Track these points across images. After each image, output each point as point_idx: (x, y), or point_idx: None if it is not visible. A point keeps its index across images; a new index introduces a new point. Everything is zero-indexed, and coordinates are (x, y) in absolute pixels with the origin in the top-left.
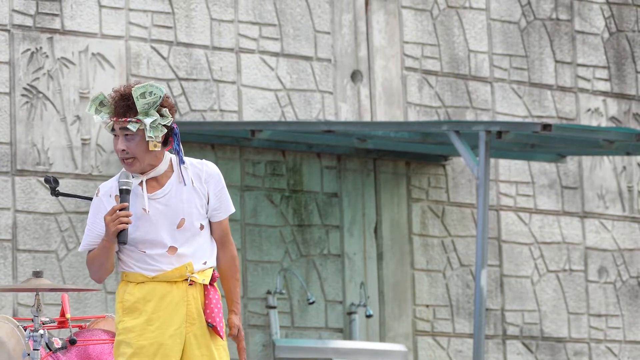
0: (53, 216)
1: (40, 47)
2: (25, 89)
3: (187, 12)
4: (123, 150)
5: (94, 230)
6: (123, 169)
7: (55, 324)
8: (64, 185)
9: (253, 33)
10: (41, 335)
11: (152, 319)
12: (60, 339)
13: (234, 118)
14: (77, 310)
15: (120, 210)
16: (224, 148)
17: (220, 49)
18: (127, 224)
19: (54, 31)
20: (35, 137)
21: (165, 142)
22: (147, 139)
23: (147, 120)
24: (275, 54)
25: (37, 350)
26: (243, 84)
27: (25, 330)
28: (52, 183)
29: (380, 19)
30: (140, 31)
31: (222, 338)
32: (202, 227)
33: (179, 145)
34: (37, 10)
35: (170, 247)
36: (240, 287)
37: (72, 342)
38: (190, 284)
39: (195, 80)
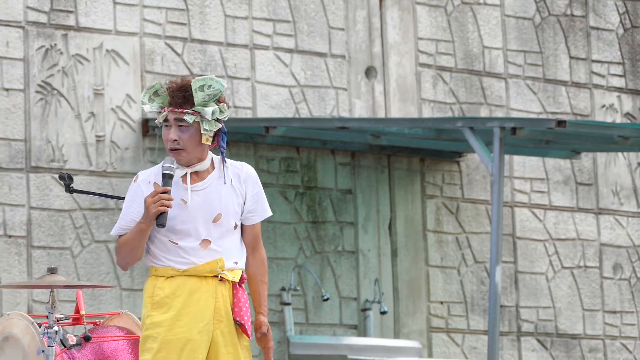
0: (67, 213)
1: (55, 44)
2: (39, 85)
3: (201, 9)
4: (175, 140)
5: (128, 215)
6: (168, 156)
7: (70, 320)
8: (78, 182)
9: (267, 29)
10: (56, 332)
11: (181, 314)
12: (74, 335)
13: (248, 114)
14: (92, 307)
15: (162, 193)
16: (238, 144)
17: (234, 45)
18: (167, 207)
19: (68, 28)
20: (50, 134)
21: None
22: (202, 132)
23: (207, 111)
24: (290, 51)
25: (52, 347)
26: (257, 80)
27: (39, 327)
28: (66, 180)
29: (394, 15)
30: (154, 28)
31: (248, 337)
32: (235, 226)
33: (224, 143)
34: (52, 7)
35: (204, 240)
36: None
37: (87, 338)
38: (220, 280)
39: None
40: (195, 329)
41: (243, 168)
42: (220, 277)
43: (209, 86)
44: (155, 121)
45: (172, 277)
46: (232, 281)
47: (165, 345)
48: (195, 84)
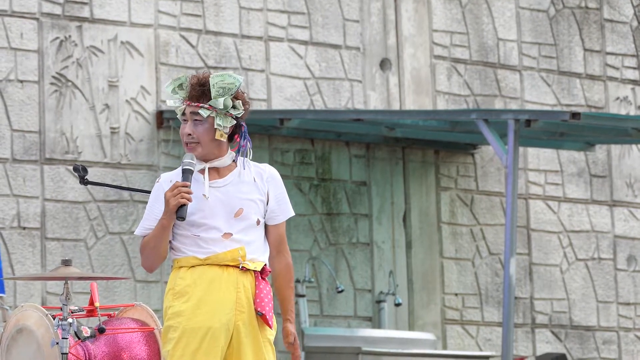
0: (82, 205)
1: (69, 36)
2: (54, 77)
3: (215, 1)
4: (189, 134)
5: (151, 214)
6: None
7: (84, 312)
8: (92, 174)
9: (282, 21)
10: (70, 324)
11: (201, 303)
12: (89, 327)
13: (262, 106)
14: (106, 298)
15: (181, 187)
16: (253, 136)
17: (249, 37)
18: (187, 200)
19: (83, 20)
20: (64, 126)
21: (231, 137)
22: (215, 127)
23: (219, 103)
24: (304, 43)
25: (66, 339)
26: (272, 72)
27: (54, 318)
28: (80, 172)
29: (409, 7)
30: (169, 19)
31: (270, 327)
32: (258, 222)
33: (245, 141)
34: None
35: (225, 233)
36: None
37: (101, 330)
38: (241, 270)
39: (224, 68)
40: (216, 317)
41: (266, 169)
42: (242, 266)
43: (226, 81)
44: (177, 115)
45: (193, 266)
46: (254, 272)
47: (186, 334)
48: (213, 79)
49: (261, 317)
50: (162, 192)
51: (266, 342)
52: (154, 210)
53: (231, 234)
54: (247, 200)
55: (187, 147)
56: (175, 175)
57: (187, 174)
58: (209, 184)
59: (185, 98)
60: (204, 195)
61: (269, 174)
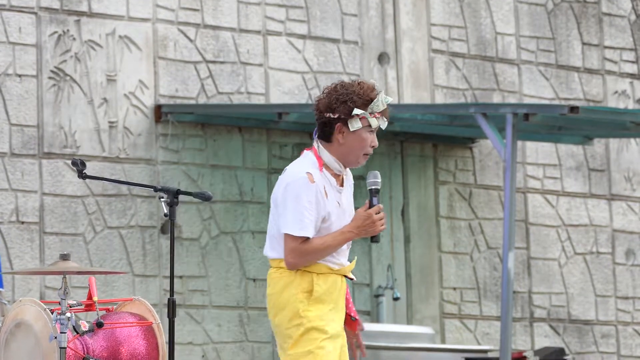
0: (80, 199)
1: (68, 30)
2: (52, 71)
3: None
4: (373, 146)
5: (313, 216)
6: (374, 170)
7: (83, 306)
8: (91, 168)
9: (280, 15)
10: (68, 318)
11: (334, 310)
12: (87, 322)
13: (261, 100)
14: (105, 293)
15: (377, 212)
16: (251, 130)
17: (247, 31)
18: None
19: (81, 14)
20: (63, 120)
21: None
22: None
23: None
24: (302, 37)
25: (64, 333)
26: (270, 66)
27: (52, 313)
28: (79, 166)
29: (407, 1)
30: (167, 14)
31: (355, 332)
32: None
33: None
34: None
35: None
36: None
37: (99, 325)
38: (345, 277)
39: (222, 62)
40: (341, 324)
41: (349, 171)
42: (347, 277)
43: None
44: (353, 125)
45: (324, 274)
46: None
47: (328, 339)
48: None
49: (354, 322)
50: (320, 195)
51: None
52: (316, 212)
53: (349, 244)
54: (351, 206)
55: (364, 157)
56: (319, 177)
57: (376, 194)
58: (339, 190)
59: (377, 111)
60: (339, 202)
61: (351, 177)
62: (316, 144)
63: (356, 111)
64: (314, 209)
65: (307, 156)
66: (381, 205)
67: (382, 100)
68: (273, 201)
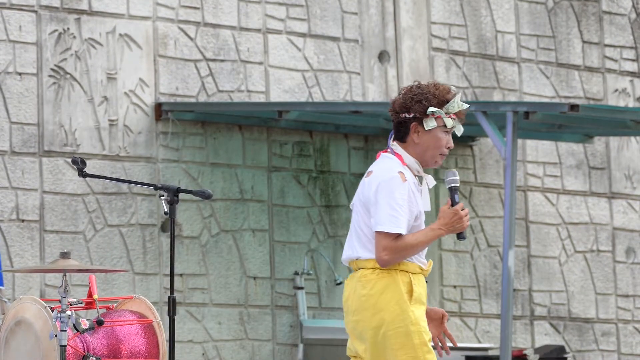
0: (80, 197)
1: (68, 28)
2: (52, 69)
3: None
4: (449, 147)
5: (406, 214)
6: (452, 169)
7: (83, 305)
8: (91, 167)
9: (280, 14)
10: (68, 316)
11: (425, 311)
12: (87, 320)
13: (261, 99)
14: (105, 291)
15: (462, 209)
16: (251, 129)
17: (247, 29)
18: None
19: (81, 12)
20: (63, 118)
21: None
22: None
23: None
24: (303, 35)
25: (64, 331)
26: (270, 64)
27: (52, 311)
28: (79, 164)
29: None
30: (167, 12)
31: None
32: None
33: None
34: None
35: None
36: None
37: (100, 323)
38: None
39: (222, 61)
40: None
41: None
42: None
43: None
44: (429, 124)
45: (417, 274)
46: None
47: (428, 342)
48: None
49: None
50: (411, 194)
51: None
52: (409, 210)
53: None
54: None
55: (441, 157)
56: (409, 174)
57: (457, 192)
58: (419, 190)
59: (452, 112)
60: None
61: None
62: (392, 145)
63: (431, 109)
64: (407, 206)
65: (389, 157)
66: (462, 204)
67: (458, 102)
68: (362, 203)
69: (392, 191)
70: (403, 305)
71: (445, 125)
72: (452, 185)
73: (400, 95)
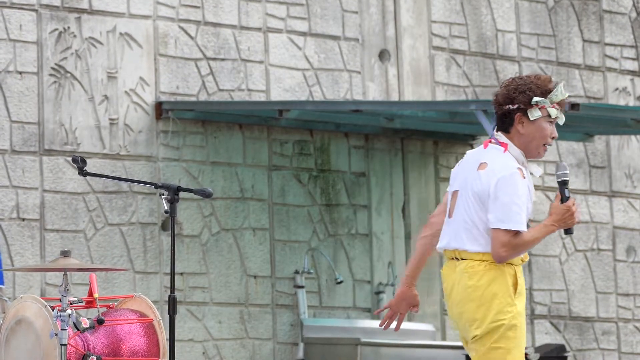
0: (81, 196)
1: (68, 27)
2: (53, 68)
3: None
4: (553, 137)
5: (523, 210)
6: (561, 162)
7: (83, 303)
8: (91, 165)
9: (281, 12)
10: (69, 315)
11: (523, 304)
12: (88, 318)
13: (261, 98)
14: (105, 290)
15: (573, 204)
16: (252, 128)
17: (248, 28)
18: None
19: (81, 11)
20: (63, 117)
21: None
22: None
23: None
24: (303, 34)
25: (65, 330)
26: (271, 63)
27: (53, 310)
28: (79, 163)
29: None
30: (167, 11)
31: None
32: None
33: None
34: None
35: None
36: None
37: (100, 322)
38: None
39: (223, 60)
40: None
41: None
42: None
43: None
44: (533, 114)
45: (518, 265)
46: None
47: (522, 335)
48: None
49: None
50: (526, 189)
51: None
52: (526, 206)
53: None
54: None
55: (544, 147)
56: (524, 170)
57: (566, 186)
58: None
59: (556, 101)
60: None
61: None
62: (495, 135)
63: (535, 99)
64: (525, 203)
65: (497, 149)
66: (573, 199)
67: (562, 91)
68: (476, 194)
69: (513, 188)
70: (508, 299)
71: (549, 115)
72: (563, 179)
73: (503, 87)
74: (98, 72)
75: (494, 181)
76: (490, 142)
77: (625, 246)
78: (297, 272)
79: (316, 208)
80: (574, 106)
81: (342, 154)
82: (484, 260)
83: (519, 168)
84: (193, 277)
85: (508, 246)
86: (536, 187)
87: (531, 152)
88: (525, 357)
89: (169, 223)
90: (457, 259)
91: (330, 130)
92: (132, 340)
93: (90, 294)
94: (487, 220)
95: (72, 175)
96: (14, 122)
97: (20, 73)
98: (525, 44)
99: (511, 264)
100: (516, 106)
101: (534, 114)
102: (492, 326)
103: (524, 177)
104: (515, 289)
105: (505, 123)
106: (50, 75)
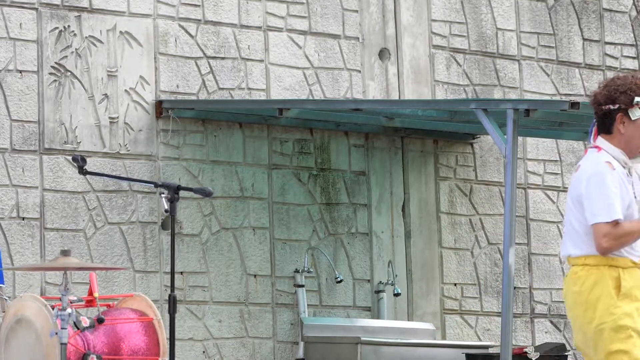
0: (81, 195)
1: (68, 26)
2: (53, 67)
3: None
4: None
5: (620, 201)
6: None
7: (83, 302)
8: (91, 164)
9: (281, 11)
10: (69, 314)
11: (637, 305)
12: (88, 317)
13: (261, 96)
14: (105, 289)
15: None
16: (252, 126)
17: (248, 27)
18: None
19: (82, 9)
20: (63, 116)
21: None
22: None
23: None
24: (303, 32)
25: (65, 329)
26: (271, 62)
27: (53, 309)
28: (79, 162)
29: None
30: (168, 9)
31: None
32: None
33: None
34: None
35: None
36: None
37: (100, 321)
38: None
39: (223, 58)
40: None
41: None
42: None
43: None
44: (635, 113)
45: (629, 268)
46: None
47: (636, 336)
48: None
49: None
50: (622, 181)
51: None
52: (622, 197)
53: None
54: None
55: None
56: (617, 163)
57: None
58: (629, 182)
59: None
60: (635, 195)
61: None
62: (596, 139)
63: (637, 99)
64: (619, 193)
65: (593, 151)
66: None
67: None
68: (575, 198)
69: (602, 180)
70: (610, 301)
71: None
72: None
73: (603, 88)
74: (98, 71)
75: (585, 181)
76: (591, 148)
77: None
78: (297, 271)
79: (316, 207)
80: (573, 105)
81: (342, 153)
82: (585, 265)
83: (607, 162)
84: (193, 276)
85: (609, 236)
86: (536, 187)
87: (632, 151)
88: (525, 356)
89: (169, 222)
90: (570, 265)
91: (330, 129)
92: (132, 339)
93: (90, 293)
94: (586, 220)
95: (72, 174)
96: (14, 120)
97: (20, 72)
98: (525, 42)
99: (615, 267)
100: (617, 106)
101: (636, 113)
102: (598, 329)
103: (614, 169)
104: (619, 290)
105: (606, 124)
106: (51, 74)
